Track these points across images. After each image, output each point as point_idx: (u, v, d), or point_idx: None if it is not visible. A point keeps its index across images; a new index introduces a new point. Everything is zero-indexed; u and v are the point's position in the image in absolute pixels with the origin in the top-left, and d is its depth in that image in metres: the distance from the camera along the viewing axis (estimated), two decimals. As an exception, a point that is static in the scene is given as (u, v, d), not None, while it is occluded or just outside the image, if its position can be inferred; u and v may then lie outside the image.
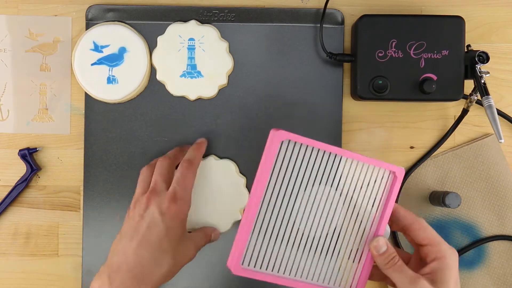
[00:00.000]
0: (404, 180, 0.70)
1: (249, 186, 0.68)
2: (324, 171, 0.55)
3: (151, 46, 0.69)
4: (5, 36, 0.70)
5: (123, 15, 0.69)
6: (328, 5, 0.69)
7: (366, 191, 0.57)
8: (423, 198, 0.70)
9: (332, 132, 0.69)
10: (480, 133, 0.71)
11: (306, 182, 0.55)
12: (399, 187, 0.57)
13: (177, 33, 0.69)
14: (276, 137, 0.53)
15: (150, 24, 0.69)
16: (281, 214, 0.55)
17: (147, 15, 0.69)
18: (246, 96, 0.69)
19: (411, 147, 0.71)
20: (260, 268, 0.54)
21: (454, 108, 0.71)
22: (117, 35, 0.68)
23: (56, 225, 0.70)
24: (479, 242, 0.69)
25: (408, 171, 0.70)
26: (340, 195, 0.56)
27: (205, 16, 0.70)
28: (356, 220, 0.57)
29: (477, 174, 0.70)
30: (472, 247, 0.69)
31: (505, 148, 0.70)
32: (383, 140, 0.70)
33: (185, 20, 0.69)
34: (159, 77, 0.69)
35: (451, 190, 0.70)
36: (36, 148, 0.69)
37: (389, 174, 0.57)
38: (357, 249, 0.57)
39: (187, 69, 0.69)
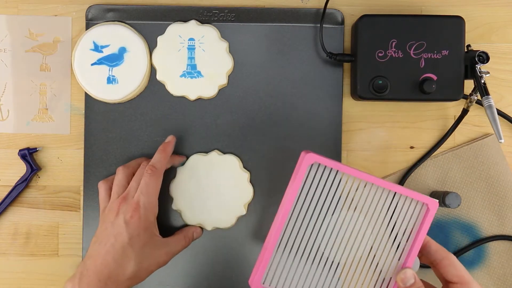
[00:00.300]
0: (404, 180, 0.70)
1: (253, 181, 0.69)
2: (353, 197, 0.55)
3: (151, 46, 0.69)
4: (5, 36, 0.70)
5: (123, 15, 0.69)
6: (328, 5, 0.69)
7: (396, 221, 0.55)
8: None
9: (332, 132, 0.69)
10: (480, 133, 0.71)
11: (334, 207, 0.55)
12: (431, 219, 0.55)
13: (177, 33, 0.69)
14: (306, 160, 0.53)
15: (150, 24, 0.69)
16: (306, 236, 0.55)
17: (147, 15, 0.69)
18: (246, 96, 0.69)
19: (411, 147, 0.71)
20: None
21: (454, 108, 0.71)
22: (117, 35, 0.68)
23: (56, 225, 0.70)
24: (479, 242, 0.69)
25: (408, 171, 0.70)
26: (369, 223, 0.55)
27: (205, 16, 0.70)
28: (384, 249, 0.55)
29: (477, 174, 0.70)
30: (472, 247, 0.69)
31: (505, 148, 0.70)
32: (383, 140, 0.70)
33: (185, 20, 0.69)
34: (159, 77, 0.69)
35: (451, 190, 0.70)
36: (36, 148, 0.69)
37: (422, 205, 0.55)
38: (383, 279, 0.56)
39: (187, 69, 0.69)
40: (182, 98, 0.69)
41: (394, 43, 0.65)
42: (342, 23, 0.70)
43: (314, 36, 0.69)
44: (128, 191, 0.63)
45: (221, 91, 0.70)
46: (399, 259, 0.55)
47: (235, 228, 0.69)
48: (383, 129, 0.71)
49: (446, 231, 0.70)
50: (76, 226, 0.70)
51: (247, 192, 0.68)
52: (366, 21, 0.66)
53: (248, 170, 0.69)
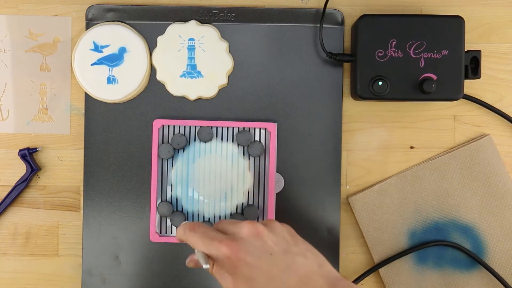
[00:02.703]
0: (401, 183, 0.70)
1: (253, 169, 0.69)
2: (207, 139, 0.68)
3: (151, 46, 0.69)
4: (5, 36, 0.70)
5: (123, 15, 0.69)
6: (328, 5, 0.69)
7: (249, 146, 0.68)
8: (420, 202, 0.70)
9: (332, 132, 0.69)
10: (479, 133, 0.71)
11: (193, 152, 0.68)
12: (275, 139, 0.67)
13: (177, 33, 0.69)
14: (155, 125, 0.68)
15: (150, 24, 0.69)
16: (177, 185, 0.68)
17: (147, 15, 0.69)
18: (246, 96, 0.69)
19: (411, 147, 0.71)
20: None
21: (454, 108, 0.71)
22: (117, 35, 0.68)
23: (56, 225, 0.70)
24: (418, 247, 0.69)
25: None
26: (226, 159, 0.67)
27: (205, 16, 0.70)
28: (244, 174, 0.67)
29: (473, 175, 0.70)
30: (412, 251, 0.69)
31: (506, 148, 0.70)
32: (383, 140, 0.70)
33: (185, 20, 0.69)
34: (159, 77, 0.69)
35: (448, 192, 0.70)
36: (36, 148, 0.69)
37: (265, 130, 0.68)
38: (258, 201, 0.68)
39: (187, 69, 0.69)
40: (182, 98, 0.69)
41: (394, 43, 0.65)
42: (342, 23, 0.70)
43: (314, 36, 0.69)
44: None
45: (221, 91, 0.70)
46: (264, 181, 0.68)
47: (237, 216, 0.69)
48: (383, 129, 0.71)
49: (444, 233, 0.70)
50: (76, 226, 0.70)
51: (246, 179, 0.68)
52: (366, 21, 0.66)
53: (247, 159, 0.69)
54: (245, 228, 0.52)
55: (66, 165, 0.70)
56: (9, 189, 0.69)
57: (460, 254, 0.69)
